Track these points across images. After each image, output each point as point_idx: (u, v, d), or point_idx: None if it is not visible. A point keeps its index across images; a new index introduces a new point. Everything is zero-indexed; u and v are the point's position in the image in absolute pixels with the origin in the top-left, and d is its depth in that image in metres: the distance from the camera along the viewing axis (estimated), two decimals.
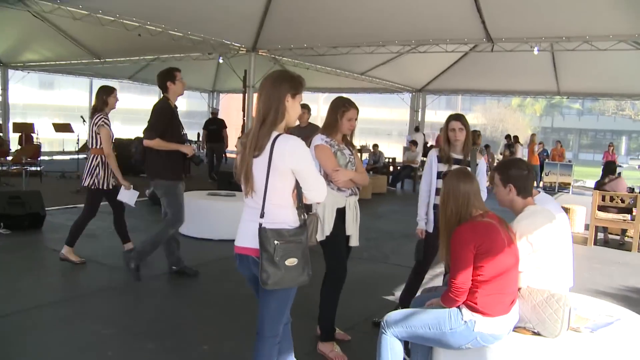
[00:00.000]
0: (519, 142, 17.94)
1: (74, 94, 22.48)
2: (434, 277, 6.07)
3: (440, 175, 4.52)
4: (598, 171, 19.28)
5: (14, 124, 15.66)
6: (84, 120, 12.42)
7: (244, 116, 13.27)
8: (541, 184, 17.84)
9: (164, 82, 5.56)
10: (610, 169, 9.03)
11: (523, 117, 38.78)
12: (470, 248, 2.91)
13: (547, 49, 11.61)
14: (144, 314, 4.95)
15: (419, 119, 21.45)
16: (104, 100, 6.09)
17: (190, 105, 27.32)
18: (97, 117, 6.04)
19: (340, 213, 4.18)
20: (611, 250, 8.54)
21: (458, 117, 4.64)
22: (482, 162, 4.75)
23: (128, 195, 6.15)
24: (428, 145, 20.47)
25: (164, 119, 5.51)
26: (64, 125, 13.68)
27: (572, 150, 38.61)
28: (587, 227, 9.29)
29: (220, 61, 16.76)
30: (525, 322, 3.13)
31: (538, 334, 3.09)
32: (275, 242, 2.77)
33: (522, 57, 13.79)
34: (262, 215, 2.81)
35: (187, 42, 11.99)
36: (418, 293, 4.17)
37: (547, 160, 18.49)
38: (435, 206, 4.52)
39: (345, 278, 4.20)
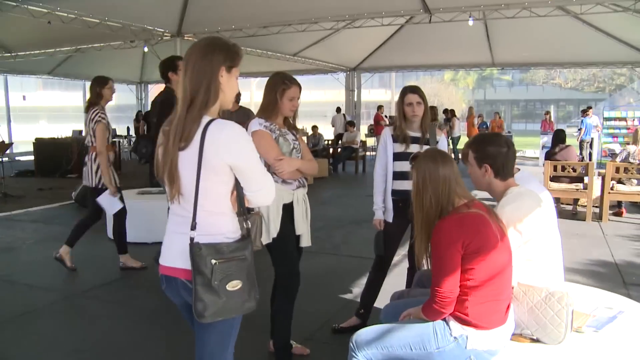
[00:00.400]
0: (455, 116, 17.71)
1: None
2: (399, 273, 5.52)
3: (402, 157, 3.97)
4: (534, 140, 19.45)
5: None
6: None
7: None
8: None
9: (165, 73, 5.09)
10: (559, 137, 8.71)
11: (456, 91, 39.04)
12: (457, 247, 2.34)
13: (483, 18, 11.29)
14: (72, 342, 4.15)
15: (354, 99, 20.95)
16: (97, 92, 5.51)
17: (118, 99, 25.79)
18: (93, 112, 5.42)
19: (288, 209, 3.54)
20: (565, 222, 8.25)
21: (415, 90, 4.06)
22: (442, 139, 4.22)
23: (109, 201, 5.50)
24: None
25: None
26: None
27: (506, 122, 39.10)
28: None
29: (145, 50, 15.81)
30: (522, 327, 2.60)
31: (538, 340, 2.57)
32: (213, 261, 2.10)
33: (457, 29, 13.54)
34: (193, 227, 2.13)
35: (105, 29, 10.94)
36: (386, 298, 3.56)
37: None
38: (393, 192, 4.00)
39: (298, 285, 3.58)
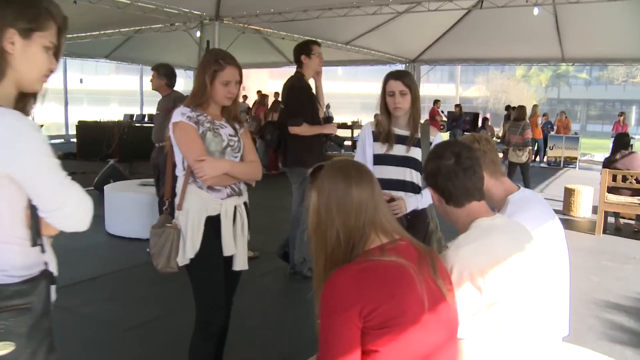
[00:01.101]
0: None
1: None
2: None
3: (383, 160, 3.17)
4: (608, 143, 17.76)
5: None
6: None
7: None
8: (545, 159, 16.27)
9: (298, 56, 4.87)
10: (622, 142, 7.45)
11: (528, 88, 36.77)
12: (352, 317, 1.46)
13: (552, 3, 10.07)
14: None
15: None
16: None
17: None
18: None
19: (214, 223, 2.75)
20: (624, 241, 7.05)
21: (399, 76, 3.17)
22: (438, 138, 3.31)
23: None
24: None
25: (306, 101, 4.84)
26: None
27: (580, 122, 36.63)
28: (595, 210, 7.80)
29: (198, 35, 15.37)
30: None
31: None
32: None
33: (523, 20, 12.34)
34: None
35: (136, 10, 10.42)
36: None
37: (551, 133, 16.88)
38: (391, 200, 3.11)
39: (220, 323, 2.79)
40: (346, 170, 1.65)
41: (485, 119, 17.01)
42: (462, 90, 37.39)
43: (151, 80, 5.67)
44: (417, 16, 14.67)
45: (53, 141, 17.62)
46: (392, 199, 3.03)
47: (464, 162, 1.86)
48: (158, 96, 5.77)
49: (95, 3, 9.62)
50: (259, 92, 18.20)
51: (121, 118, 18.51)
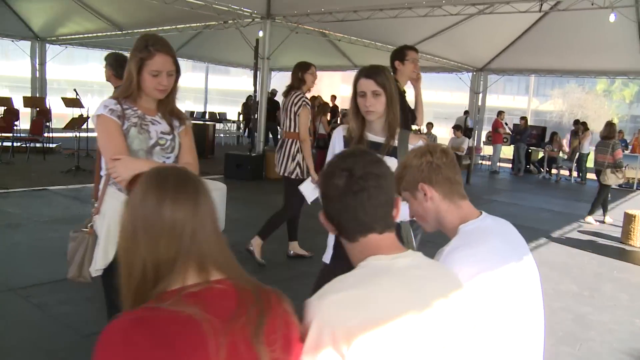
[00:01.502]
0: (587, 129, 15.19)
1: None
2: None
3: None
4: None
5: (24, 98, 14.58)
6: (77, 93, 11.10)
7: (255, 95, 11.55)
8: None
9: (392, 62, 4.54)
10: None
11: (608, 104, 34.56)
12: None
13: (630, 14, 9.21)
14: None
15: (479, 103, 18.92)
16: (299, 77, 5.31)
17: (234, 83, 25.56)
18: (295, 96, 5.26)
19: None
20: None
21: (370, 73, 2.68)
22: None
23: (310, 189, 5.02)
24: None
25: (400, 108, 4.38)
26: (73, 100, 12.55)
27: None
28: None
29: (260, 34, 15.26)
30: None
31: None
32: None
33: (600, 28, 11.39)
34: None
35: (183, 5, 10.33)
36: None
37: (625, 152, 15.58)
38: None
39: None
40: (164, 181, 1.22)
41: (554, 133, 15.94)
42: (538, 104, 35.74)
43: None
44: (485, 21, 13.98)
45: None
46: None
47: (356, 183, 1.39)
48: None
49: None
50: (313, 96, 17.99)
51: None
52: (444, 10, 9.28)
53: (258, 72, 11.19)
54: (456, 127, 14.28)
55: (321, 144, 11.71)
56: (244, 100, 19.56)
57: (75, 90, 11.17)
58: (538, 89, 35.63)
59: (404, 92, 4.54)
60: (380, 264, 1.37)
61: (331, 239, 2.78)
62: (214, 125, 15.30)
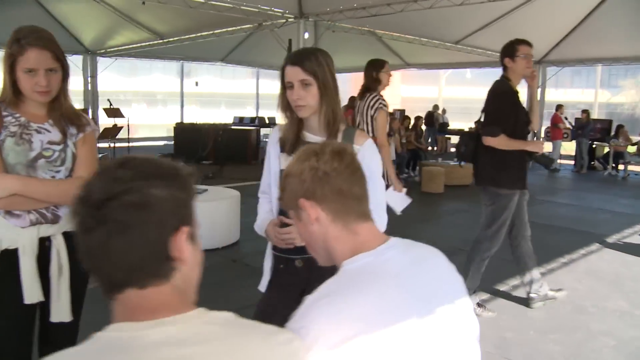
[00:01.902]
0: None
1: (164, 79, 21.60)
2: None
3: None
4: None
5: (105, 110, 14.76)
6: (111, 104, 11.06)
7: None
8: None
9: (502, 59, 4.33)
10: None
11: None
12: None
13: None
14: None
15: (538, 98, 17.78)
16: (374, 77, 4.91)
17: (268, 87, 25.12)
18: (371, 98, 4.86)
19: (9, 260, 1.99)
20: None
21: (297, 60, 2.14)
22: (367, 149, 2.22)
23: (396, 198, 4.75)
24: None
25: (508, 109, 4.19)
26: (114, 110, 12.59)
27: None
28: None
29: (306, 36, 14.92)
30: None
31: None
32: None
33: None
34: None
35: (209, 8, 10.06)
36: None
37: None
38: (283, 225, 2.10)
39: None
40: None
41: (620, 126, 14.72)
42: (610, 96, 33.61)
43: None
44: (540, 8, 13.07)
45: (158, 142, 18.11)
46: (284, 224, 2.07)
47: (91, 217, 0.91)
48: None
49: (165, 3, 9.29)
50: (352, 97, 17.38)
51: (227, 120, 18.62)
52: None
53: None
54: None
55: None
56: None
57: (109, 100, 11.13)
58: (609, 80, 33.54)
59: (517, 92, 4.17)
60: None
61: (267, 262, 2.30)
62: (258, 130, 14.99)
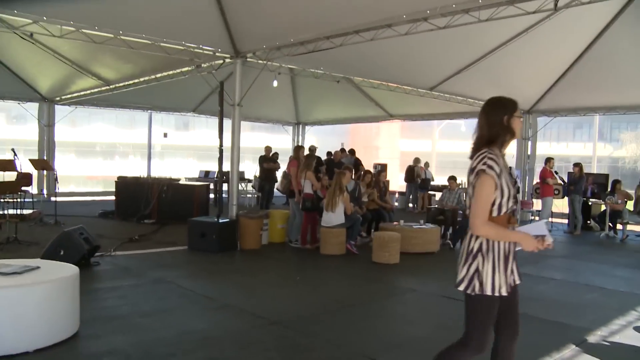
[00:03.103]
0: None
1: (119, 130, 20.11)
2: None
3: None
4: None
5: (32, 161, 13.13)
6: (15, 154, 9.40)
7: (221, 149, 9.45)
8: None
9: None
10: None
11: None
12: None
13: None
14: None
15: (528, 152, 16.05)
16: (503, 124, 2.95)
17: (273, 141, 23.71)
18: (480, 157, 2.92)
19: None
20: None
21: None
22: None
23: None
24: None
25: None
26: (41, 162, 10.96)
27: None
28: None
29: (275, 84, 13.43)
30: None
31: None
32: None
33: None
34: None
35: (120, 44, 8.50)
36: None
37: None
38: None
39: None
40: None
41: (616, 182, 12.85)
42: (612, 150, 31.81)
43: None
44: (524, 49, 11.53)
45: (105, 197, 16.45)
46: None
47: None
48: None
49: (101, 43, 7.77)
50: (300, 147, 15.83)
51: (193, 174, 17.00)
52: (430, 24, 6.82)
53: (234, 121, 9.15)
54: (452, 178, 11.37)
55: (307, 204, 9.38)
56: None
57: (13, 150, 9.47)
58: (611, 133, 31.84)
59: None
60: None
61: None
62: (208, 186, 13.29)
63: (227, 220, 9.24)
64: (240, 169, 19.62)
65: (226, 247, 9.02)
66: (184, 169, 18.33)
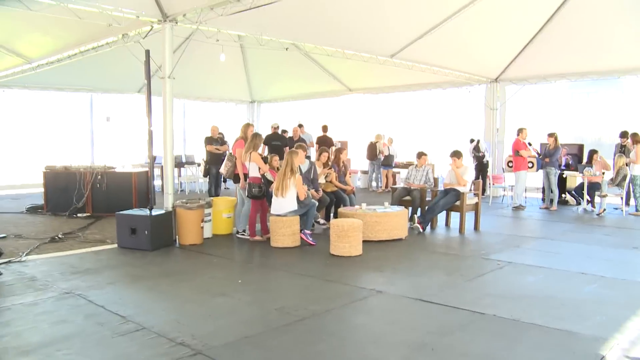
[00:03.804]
0: (638, 142, 11.01)
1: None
2: None
3: None
4: None
5: None
6: None
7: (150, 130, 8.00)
8: None
9: None
10: None
11: None
12: None
13: None
14: None
15: (496, 121, 14.96)
16: None
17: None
18: None
19: None
20: None
21: None
22: None
23: None
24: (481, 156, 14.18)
25: None
26: None
27: None
28: None
29: (223, 59, 12.01)
30: None
31: None
32: None
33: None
34: None
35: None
36: None
37: None
38: None
39: None
40: None
41: (593, 152, 11.84)
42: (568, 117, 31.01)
43: None
44: (491, 15, 10.39)
45: (31, 190, 14.78)
46: None
47: None
48: None
49: None
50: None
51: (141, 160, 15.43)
52: None
53: (165, 97, 7.68)
54: (420, 155, 10.13)
55: (254, 191, 8.03)
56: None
57: None
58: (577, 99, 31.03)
59: None
60: None
61: None
62: (147, 172, 11.82)
63: (162, 212, 7.85)
64: (191, 153, 18.29)
65: (161, 243, 7.65)
66: (131, 155, 16.65)
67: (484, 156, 14.18)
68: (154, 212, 7.71)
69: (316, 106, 19.96)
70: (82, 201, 10.74)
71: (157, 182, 14.92)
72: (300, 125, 15.29)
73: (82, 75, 14.76)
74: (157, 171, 16.36)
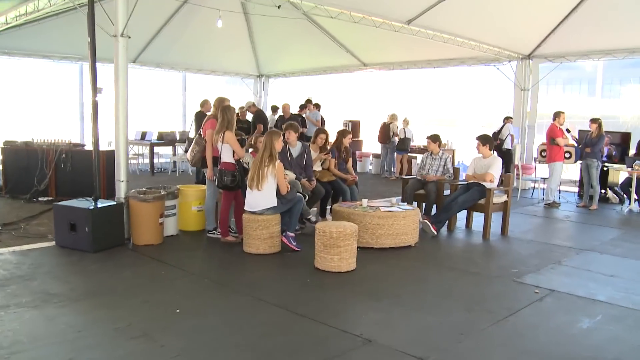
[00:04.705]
0: None
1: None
2: None
3: None
4: None
5: None
6: None
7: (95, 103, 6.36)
8: None
9: None
10: None
11: None
12: None
13: None
14: None
15: (527, 105, 12.98)
16: None
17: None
18: None
19: None
20: None
21: None
22: None
23: None
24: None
25: None
26: None
27: None
28: None
29: (220, 24, 10.40)
30: None
31: None
32: None
33: None
34: None
35: None
36: None
37: None
38: None
39: None
40: None
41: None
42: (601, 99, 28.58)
43: None
44: None
45: None
46: None
47: None
48: None
49: None
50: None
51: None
52: None
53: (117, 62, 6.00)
54: (433, 138, 8.23)
55: (227, 180, 6.31)
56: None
57: None
58: (599, 80, 28.63)
59: None
60: None
61: None
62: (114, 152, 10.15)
63: (110, 204, 6.19)
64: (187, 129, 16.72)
65: (107, 243, 6.01)
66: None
67: (502, 143, 12.18)
68: (99, 204, 6.07)
69: (329, 82, 18.17)
70: (45, 183, 9.16)
71: (135, 162, 13.29)
72: (309, 101, 13.54)
73: (71, 42, 13.15)
74: (141, 149, 14.82)
